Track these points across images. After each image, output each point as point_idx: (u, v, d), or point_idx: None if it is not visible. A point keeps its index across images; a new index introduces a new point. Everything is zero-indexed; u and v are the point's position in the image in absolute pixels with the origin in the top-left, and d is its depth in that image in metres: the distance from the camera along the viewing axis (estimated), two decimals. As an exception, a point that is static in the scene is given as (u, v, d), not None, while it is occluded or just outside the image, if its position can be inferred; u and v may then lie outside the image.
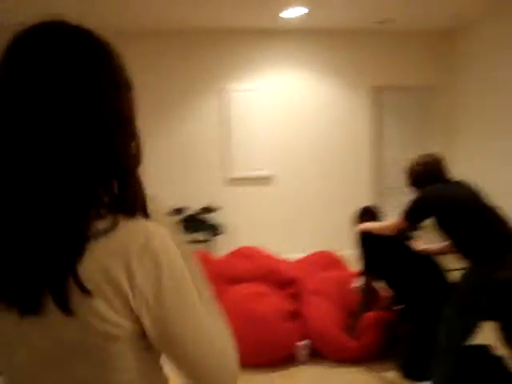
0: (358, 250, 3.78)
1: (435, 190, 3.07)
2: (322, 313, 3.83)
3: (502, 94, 6.01)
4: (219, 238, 6.35)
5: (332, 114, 6.82)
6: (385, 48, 6.89)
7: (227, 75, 6.58)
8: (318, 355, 3.77)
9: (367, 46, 6.84)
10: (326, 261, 4.81)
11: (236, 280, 4.21)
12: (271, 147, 6.66)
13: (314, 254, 4.95)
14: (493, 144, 6.23)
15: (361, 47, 6.82)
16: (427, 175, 3.15)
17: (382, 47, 6.88)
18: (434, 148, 7.08)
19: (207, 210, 6.36)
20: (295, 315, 3.92)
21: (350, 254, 6.13)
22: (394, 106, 7.08)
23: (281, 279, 4.22)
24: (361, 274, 3.83)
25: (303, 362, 3.71)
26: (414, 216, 3.09)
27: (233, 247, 5.11)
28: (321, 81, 6.75)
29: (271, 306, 3.80)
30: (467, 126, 6.81)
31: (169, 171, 6.55)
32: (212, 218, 6.38)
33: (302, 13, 5.84)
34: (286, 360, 3.70)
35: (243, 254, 4.50)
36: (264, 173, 6.66)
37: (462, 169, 6.77)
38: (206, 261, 4.90)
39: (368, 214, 3.95)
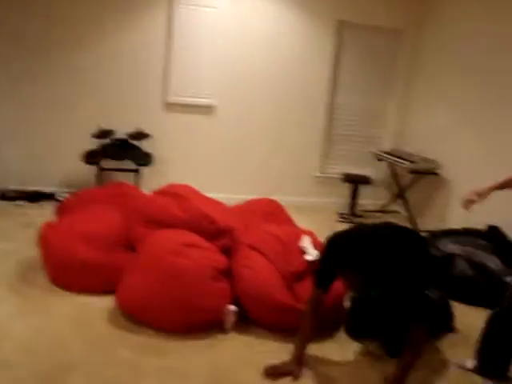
0: None
1: None
2: (261, 272, 3.25)
3: (473, 45, 5.51)
4: (149, 168, 5.64)
5: (289, 46, 6.07)
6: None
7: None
8: (247, 322, 3.25)
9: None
10: (270, 210, 4.22)
11: (161, 224, 3.55)
12: (218, 75, 5.89)
13: (256, 201, 4.35)
14: (455, 96, 5.80)
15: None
16: None
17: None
18: (393, 95, 6.63)
19: (138, 135, 5.61)
20: (227, 273, 3.34)
21: (292, 201, 5.71)
22: (357, 47, 6.42)
23: (214, 228, 3.58)
24: None
25: (231, 330, 3.17)
26: None
27: (163, 181, 4.46)
28: (280, 7, 5.96)
29: (200, 260, 3.16)
30: (432, 75, 6.30)
31: (98, 86, 5.70)
32: (143, 145, 5.63)
33: None
34: (210, 326, 3.13)
35: (174, 193, 3.79)
36: (206, 101, 5.91)
37: (421, 119, 6.39)
38: (131, 196, 4.22)
39: None
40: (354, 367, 2.96)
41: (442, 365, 3.08)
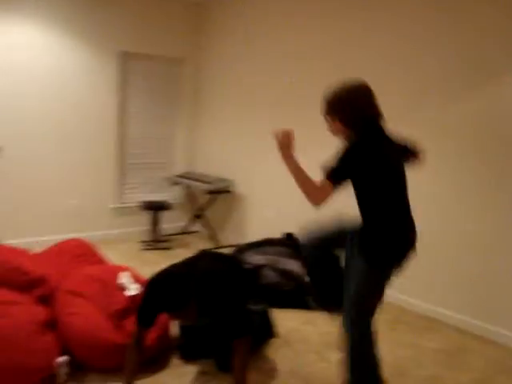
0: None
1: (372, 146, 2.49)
2: (88, 317, 3.17)
3: (247, 67, 6.04)
4: None
5: (73, 79, 5.91)
6: (136, 11, 6.26)
7: None
8: (80, 369, 3.15)
9: (115, 5, 6.10)
10: (80, 252, 4.10)
11: (-34, 285, 3.26)
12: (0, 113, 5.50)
13: (64, 244, 4.17)
14: (237, 119, 6.28)
15: (107, 5, 6.04)
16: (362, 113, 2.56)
17: (132, 10, 6.23)
18: (181, 125, 6.90)
19: None
20: (50, 324, 3.19)
21: (93, 236, 5.61)
22: (142, 77, 6.56)
23: (28, 279, 3.39)
24: None
25: (65, 381, 3.03)
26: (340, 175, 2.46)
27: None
28: (60, 39, 5.78)
29: (20, 317, 2.98)
30: (211, 105, 6.73)
31: None
32: None
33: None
34: (42, 383, 2.96)
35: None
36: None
37: (209, 141, 6.75)
38: None
39: None
40: (194, 390, 3.06)
41: (272, 370, 3.35)
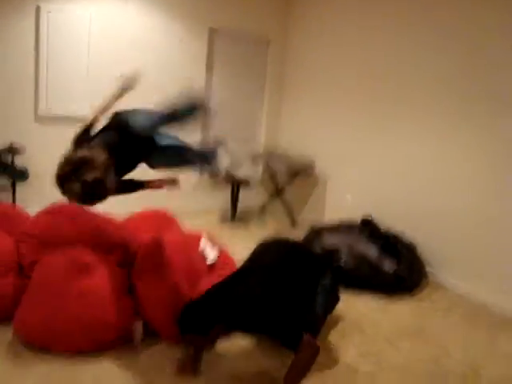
0: None
1: None
2: (167, 283, 3.29)
3: (333, 51, 5.95)
4: (24, 184, 5.37)
5: (164, 53, 6.09)
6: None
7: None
8: (153, 333, 3.27)
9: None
10: (162, 221, 4.25)
11: (56, 244, 3.45)
12: (92, 85, 5.73)
13: (146, 213, 4.34)
14: (321, 100, 6.21)
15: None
16: None
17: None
18: (264, 103, 6.92)
19: (10, 150, 5.31)
20: (130, 288, 3.34)
21: (174, 207, 5.77)
22: (229, 54, 6.62)
23: (110, 243, 3.56)
24: None
25: (139, 343, 3.17)
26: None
27: (39, 197, 4.31)
28: (153, 14, 5.95)
29: (102, 278, 3.15)
30: (296, 85, 6.71)
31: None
32: (16, 160, 5.34)
33: None
34: (118, 343, 3.11)
35: (62, 211, 3.71)
36: (83, 112, 5.71)
37: (293, 121, 6.74)
38: (11, 216, 4.01)
39: None
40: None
41: (339, 354, 3.34)
